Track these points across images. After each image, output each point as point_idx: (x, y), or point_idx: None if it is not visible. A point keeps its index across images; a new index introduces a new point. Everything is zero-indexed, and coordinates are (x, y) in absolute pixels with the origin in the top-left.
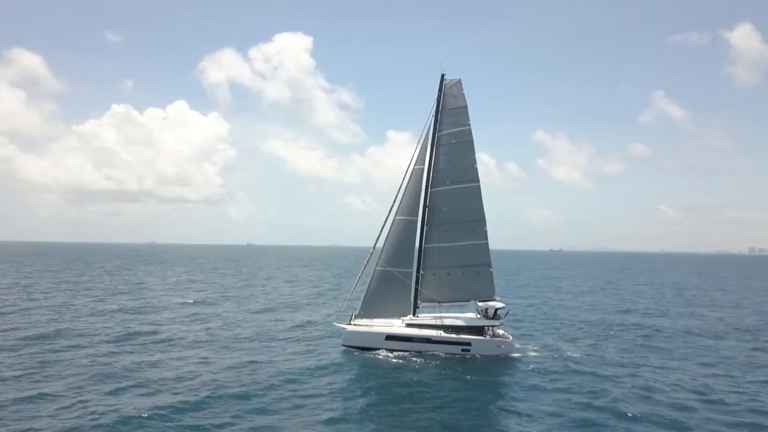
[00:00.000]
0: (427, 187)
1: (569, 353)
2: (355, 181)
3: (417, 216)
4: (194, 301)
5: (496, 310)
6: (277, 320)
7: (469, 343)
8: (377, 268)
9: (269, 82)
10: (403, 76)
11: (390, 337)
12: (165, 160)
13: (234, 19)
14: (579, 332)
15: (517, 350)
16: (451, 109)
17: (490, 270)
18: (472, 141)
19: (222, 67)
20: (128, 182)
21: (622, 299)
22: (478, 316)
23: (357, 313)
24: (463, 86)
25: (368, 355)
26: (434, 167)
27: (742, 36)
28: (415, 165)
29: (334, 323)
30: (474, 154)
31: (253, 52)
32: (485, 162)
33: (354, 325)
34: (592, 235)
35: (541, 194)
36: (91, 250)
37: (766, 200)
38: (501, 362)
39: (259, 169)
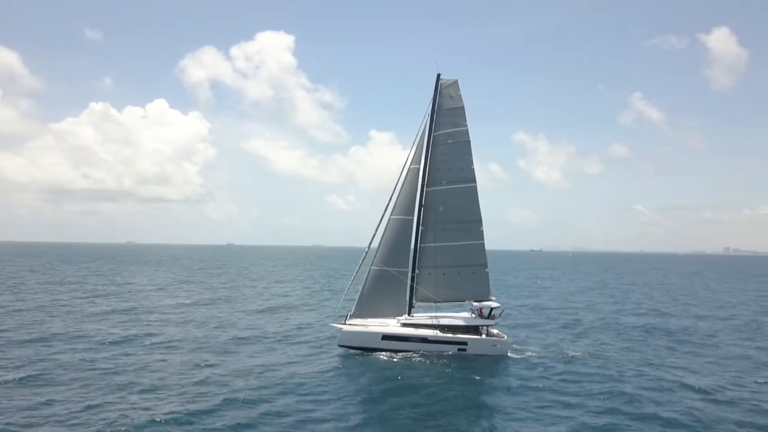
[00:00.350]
0: (422, 186)
1: (567, 352)
2: (337, 180)
3: (413, 215)
4: (190, 303)
5: (492, 309)
6: (273, 321)
7: (465, 343)
8: (372, 267)
9: (251, 80)
10: (387, 76)
11: (386, 337)
12: (144, 159)
13: (215, 17)
14: (575, 331)
15: (513, 349)
16: (448, 109)
17: (486, 270)
18: (469, 142)
19: (203, 65)
20: (107, 181)
21: (615, 298)
22: (473, 315)
23: (352, 313)
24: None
25: (367, 356)
26: (430, 167)
27: (719, 39)
28: (411, 164)
29: (330, 324)
30: (471, 155)
31: (235, 51)
32: None
33: (349, 325)
34: (571, 235)
35: (522, 195)
36: (71, 250)
37: (739, 201)
38: (501, 362)
39: (239, 168)
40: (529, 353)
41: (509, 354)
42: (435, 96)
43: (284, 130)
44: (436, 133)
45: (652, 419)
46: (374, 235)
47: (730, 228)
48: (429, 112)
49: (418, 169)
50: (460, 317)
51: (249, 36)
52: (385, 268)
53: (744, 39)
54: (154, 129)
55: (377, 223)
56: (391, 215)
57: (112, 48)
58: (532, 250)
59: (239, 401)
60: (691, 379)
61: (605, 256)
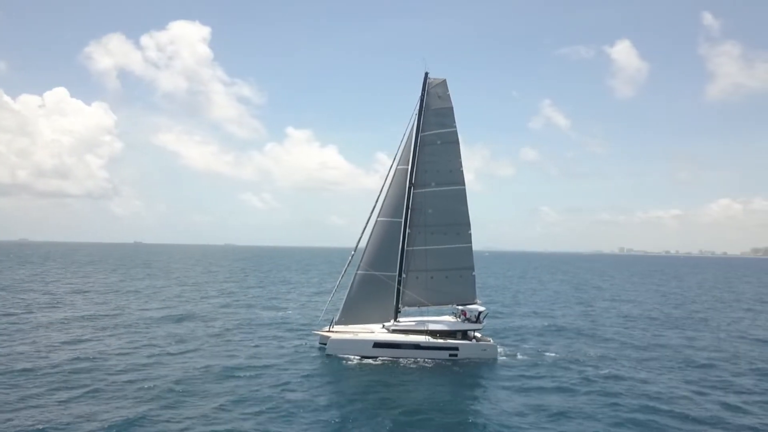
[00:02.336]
0: (410, 188)
1: (553, 354)
2: (252, 178)
3: (401, 218)
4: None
5: (480, 313)
6: (252, 329)
7: (456, 348)
8: (359, 272)
9: (163, 71)
10: (307, 72)
11: (378, 345)
12: (42, 150)
13: (124, 3)
14: (556, 333)
15: (500, 353)
16: (436, 109)
17: (473, 273)
18: (458, 143)
19: (110, 53)
20: None
21: (580, 298)
22: (458, 319)
23: (337, 319)
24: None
25: (356, 363)
26: (418, 168)
27: (622, 52)
28: (398, 165)
29: (313, 332)
30: (460, 157)
31: (146, 40)
32: (385, 163)
33: (334, 332)
34: (480, 234)
35: None
36: None
37: (633, 204)
38: (490, 367)
39: (148, 163)
40: (516, 356)
41: (497, 357)
42: (423, 95)
43: (198, 125)
44: (424, 133)
45: (647, 424)
46: (360, 237)
47: (624, 229)
48: (416, 111)
49: (406, 169)
50: (446, 321)
51: (161, 25)
52: (373, 272)
53: (643, 52)
54: (53, 119)
55: (363, 225)
56: (378, 217)
57: (7, 29)
58: None
59: (228, 411)
60: (667, 382)
61: (517, 255)
